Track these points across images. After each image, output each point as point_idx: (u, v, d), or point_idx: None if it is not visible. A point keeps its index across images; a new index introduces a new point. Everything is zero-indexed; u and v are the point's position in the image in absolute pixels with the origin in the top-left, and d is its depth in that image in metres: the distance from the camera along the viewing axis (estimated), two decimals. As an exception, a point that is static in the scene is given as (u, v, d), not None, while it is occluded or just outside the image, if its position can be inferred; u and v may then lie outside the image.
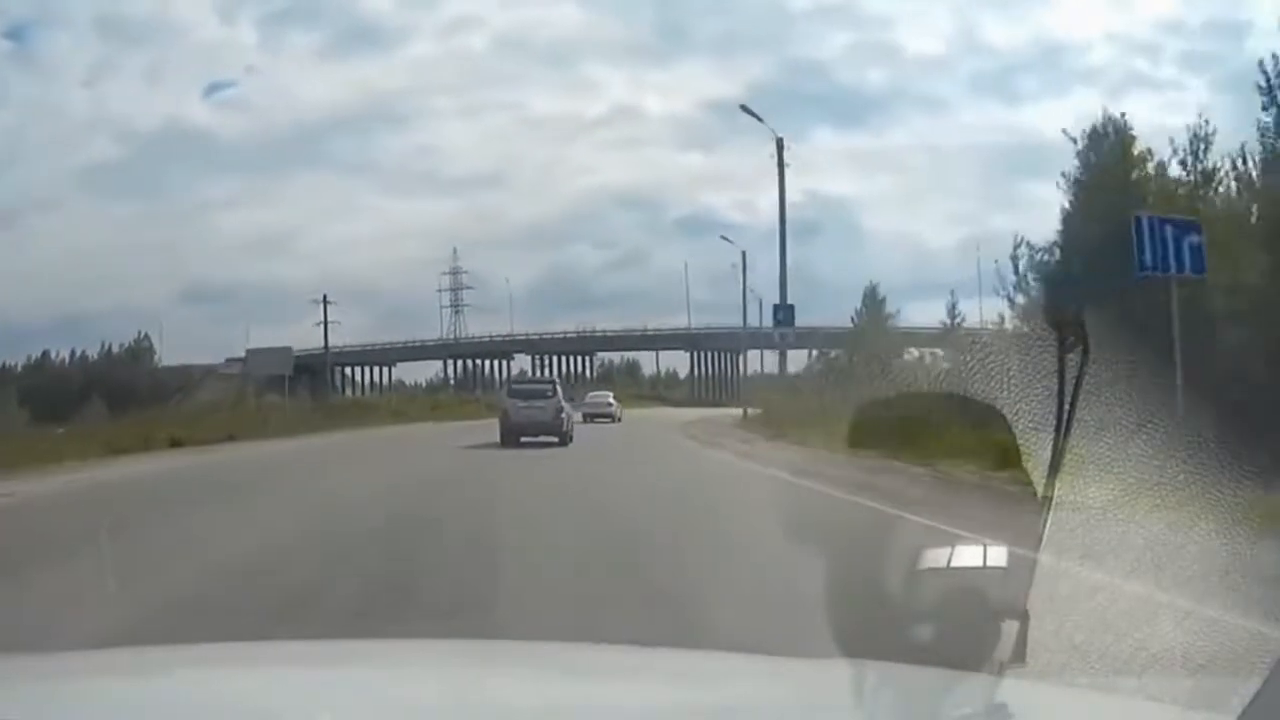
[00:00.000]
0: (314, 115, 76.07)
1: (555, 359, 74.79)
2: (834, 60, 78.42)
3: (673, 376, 80.00)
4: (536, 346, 69.85)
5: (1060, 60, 74.17)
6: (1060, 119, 75.79)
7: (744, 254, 41.64)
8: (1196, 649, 2.91)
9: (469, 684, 1.81)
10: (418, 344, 68.88)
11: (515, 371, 69.43)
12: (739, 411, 35.20)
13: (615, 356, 76.73)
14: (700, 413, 37.12)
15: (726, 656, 2.38)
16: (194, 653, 2.11)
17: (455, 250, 66.46)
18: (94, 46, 71.16)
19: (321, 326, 45.45)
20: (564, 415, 22.17)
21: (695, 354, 73.83)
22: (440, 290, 67.96)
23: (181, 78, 77.82)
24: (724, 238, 37.13)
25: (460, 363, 69.46)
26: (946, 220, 79.29)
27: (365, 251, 77.44)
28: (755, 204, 73.78)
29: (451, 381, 66.99)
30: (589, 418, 31.26)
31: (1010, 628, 1.67)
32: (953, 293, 30.26)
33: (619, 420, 35.06)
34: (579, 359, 74.77)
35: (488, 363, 72.93)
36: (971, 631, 1.61)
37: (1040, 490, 1.82)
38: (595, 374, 77.23)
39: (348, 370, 70.99)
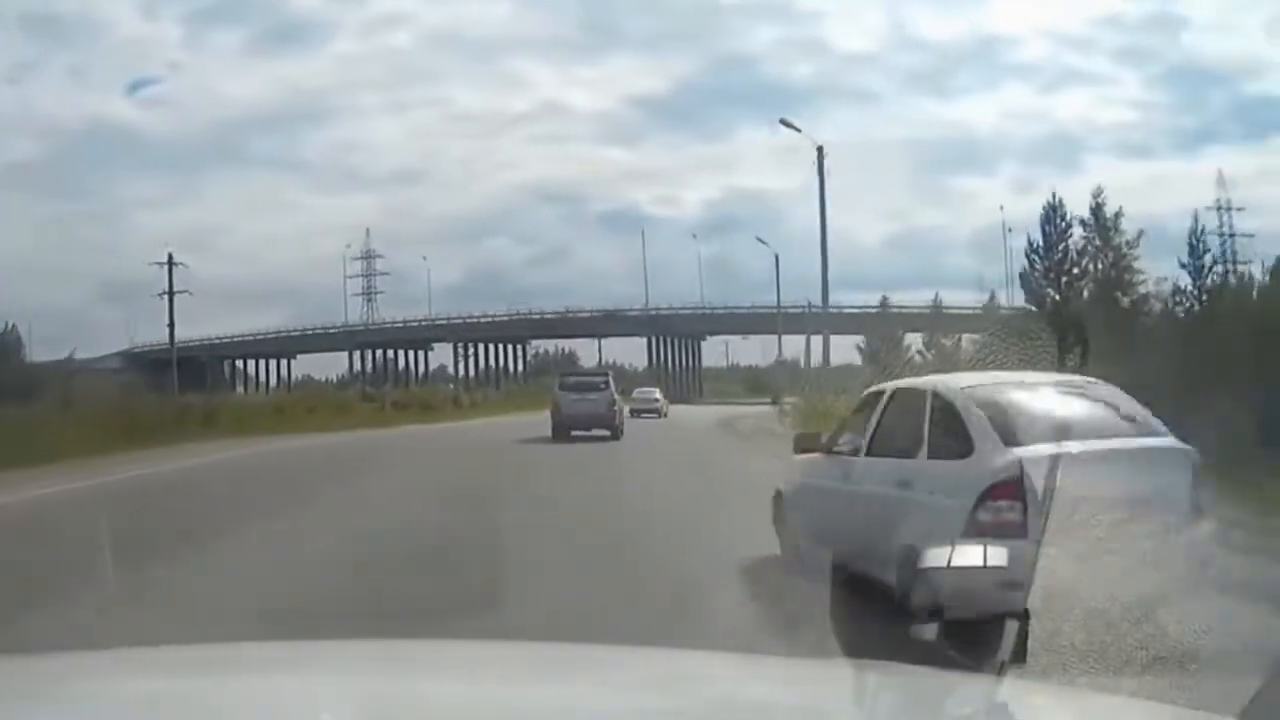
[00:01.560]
0: (239, 112, 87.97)
1: (481, 348, 75.12)
2: (762, 56, 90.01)
3: (618, 368, 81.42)
4: (460, 333, 70.21)
5: (993, 55, 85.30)
6: (992, 113, 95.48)
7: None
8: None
9: (470, 684, 2.10)
10: (318, 331, 69.09)
11: (435, 366, 71.34)
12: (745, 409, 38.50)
13: (550, 346, 78.42)
14: (691, 410, 40.12)
15: (727, 657, 2.71)
16: (194, 653, 2.40)
17: (368, 232, 69.65)
18: (18, 44, 76.88)
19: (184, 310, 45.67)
20: (616, 409, 25.69)
21: (654, 340, 74.59)
22: (351, 277, 69.21)
23: (105, 75, 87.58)
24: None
25: (374, 354, 70.04)
26: (874, 214, 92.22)
27: (288, 248, 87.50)
28: (679, 198, 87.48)
29: (363, 375, 67.12)
30: (635, 413, 35.19)
31: (1010, 627, 2.01)
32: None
33: (665, 415, 39.32)
34: (509, 349, 75.36)
35: (404, 354, 73.52)
36: (972, 631, 1.94)
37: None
38: (527, 366, 78.09)
39: (239, 364, 70.82)
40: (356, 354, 69.54)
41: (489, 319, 69.77)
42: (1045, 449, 4.21)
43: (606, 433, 24.28)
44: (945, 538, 3.41)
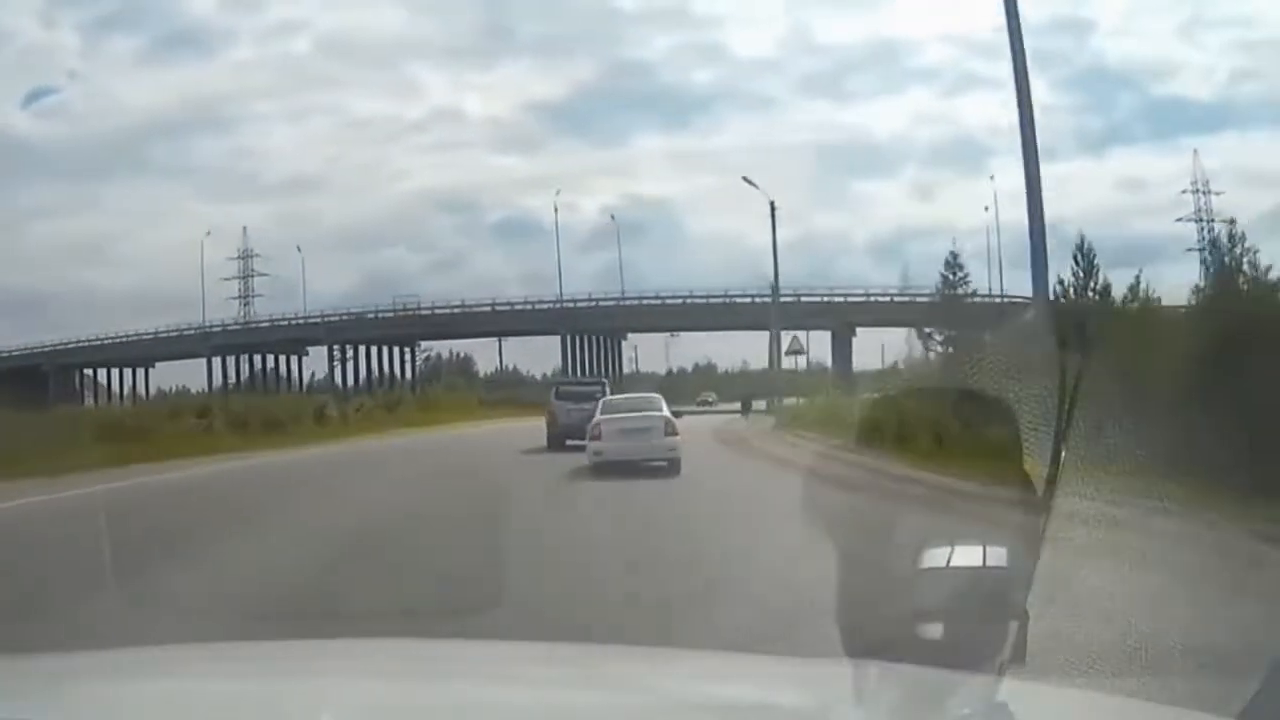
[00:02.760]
0: (136, 120, 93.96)
1: (364, 350, 74.76)
2: (660, 61, 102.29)
3: (522, 376, 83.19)
4: (337, 332, 69.79)
5: (895, 59, 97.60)
6: (894, 117, 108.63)
7: (773, 204, 47.11)
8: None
9: (470, 684, 2.42)
10: (171, 334, 69.24)
11: (323, 374, 71.56)
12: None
13: (446, 350, 79.61)
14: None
15: (729, 657, 2.99)
16: (194, 653, 2.67)
17: (245, 230, 72.22)
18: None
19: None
20: None
21: (570, 339, 74.97)
22: (226, 279, 70.43)
23: (3, 86, 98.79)
24: (746, 179, 42.76)
25: (238, 360, 69.99)
26: (768, 219, 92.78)
27: (182, 257, 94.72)
28: (575, 205, 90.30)
29: (230, 383, 66.67)
30: None
31: (1010, 628, 2.30)
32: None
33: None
34: (397, 351, 75.15)
35: (277, 360, 73.00)
36: (972, 631, 2.23)
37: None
38: (417, 371, 78.16)
39: (91, 374, 70.03)
40: (228, 361, 69.38)
41: (371, 314, 69.66)
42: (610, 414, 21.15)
43: None
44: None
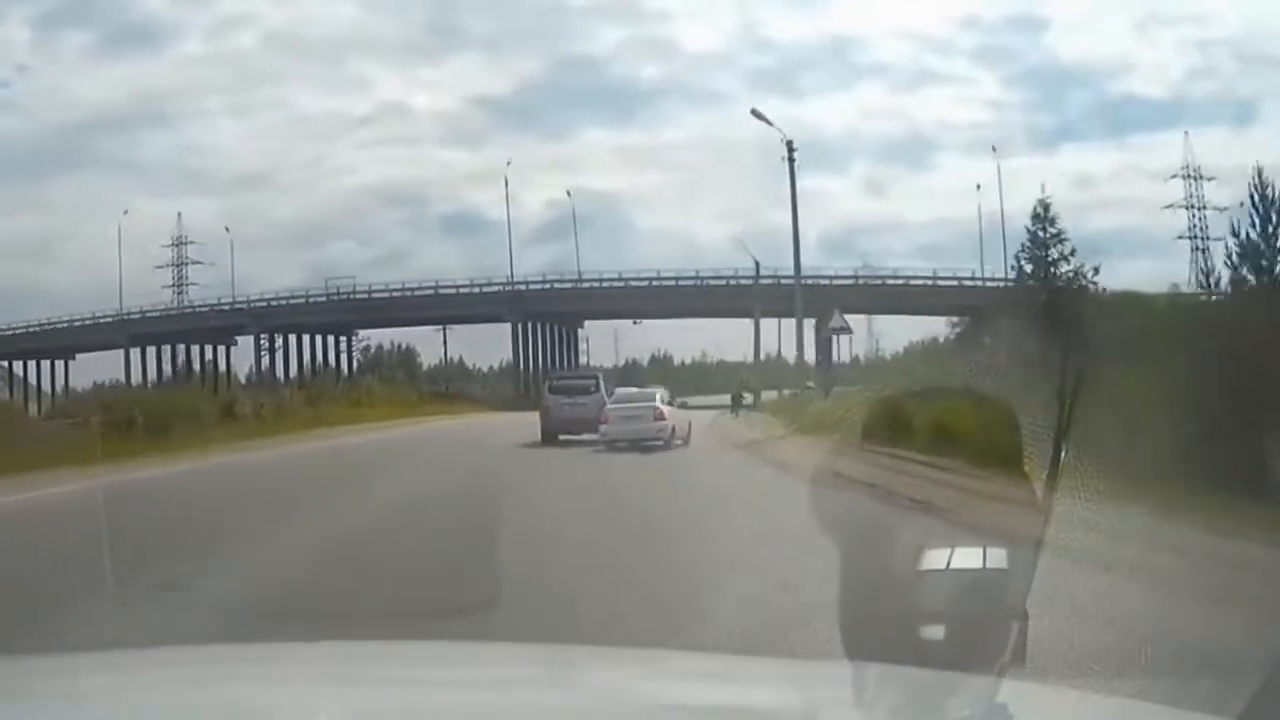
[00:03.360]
0: (86, 115, 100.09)
1: (294, 339, 74.50)
2: (608, 56, 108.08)
3: (460, 367, 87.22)
4: (266, 320, 69.96)
5: (847, 55, 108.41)
6: (844, 113, 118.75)
7: (790, 143, 47.44)
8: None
9: (468, 685, 2.70)
10: (86, 322, 69.11)
11: (249, 365, 71.96)
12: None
13: (387, 340, 79.90)
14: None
15: (728, 658, 3.28)
16: (191, 654, 2.94)
17: (179, 216, 73.20)
18: None
19: None
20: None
21: (521, 327, 74.98)
22: (160, 267, 71.17)
23: None
24: (755, 113, 45.94)
25: (159, 350, 69.73)
26: (719, 215, 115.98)
27: (128, 255, 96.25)
28: (520, 199, 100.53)
29: (165, 376, 66.80)
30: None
31: (1010, 628, 2.58)
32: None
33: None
34: (333, 341, 75.08)
35: (205, 350, 72.57)
36: (972, 632, 2.50)
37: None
38: (354, 361, 78.06)
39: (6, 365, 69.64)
40: (148, 352, 69.18)
41: (301, 299, 69.59)
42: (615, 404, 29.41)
43: (596, 436, 29.85)
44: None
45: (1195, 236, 60.35)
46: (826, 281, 67.23)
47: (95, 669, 2.91)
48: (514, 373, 75.38)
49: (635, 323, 79.86)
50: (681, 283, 69.31)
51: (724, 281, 69.06)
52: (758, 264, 57.76)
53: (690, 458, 26.15)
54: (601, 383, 34.43)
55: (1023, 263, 35.47)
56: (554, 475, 21.96)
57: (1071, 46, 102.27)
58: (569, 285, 71.74)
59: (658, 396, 30.44)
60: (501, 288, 71.08)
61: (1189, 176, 62.40)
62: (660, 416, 28.71)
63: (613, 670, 2.99)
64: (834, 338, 56.40)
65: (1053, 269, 33.26)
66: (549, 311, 72.25)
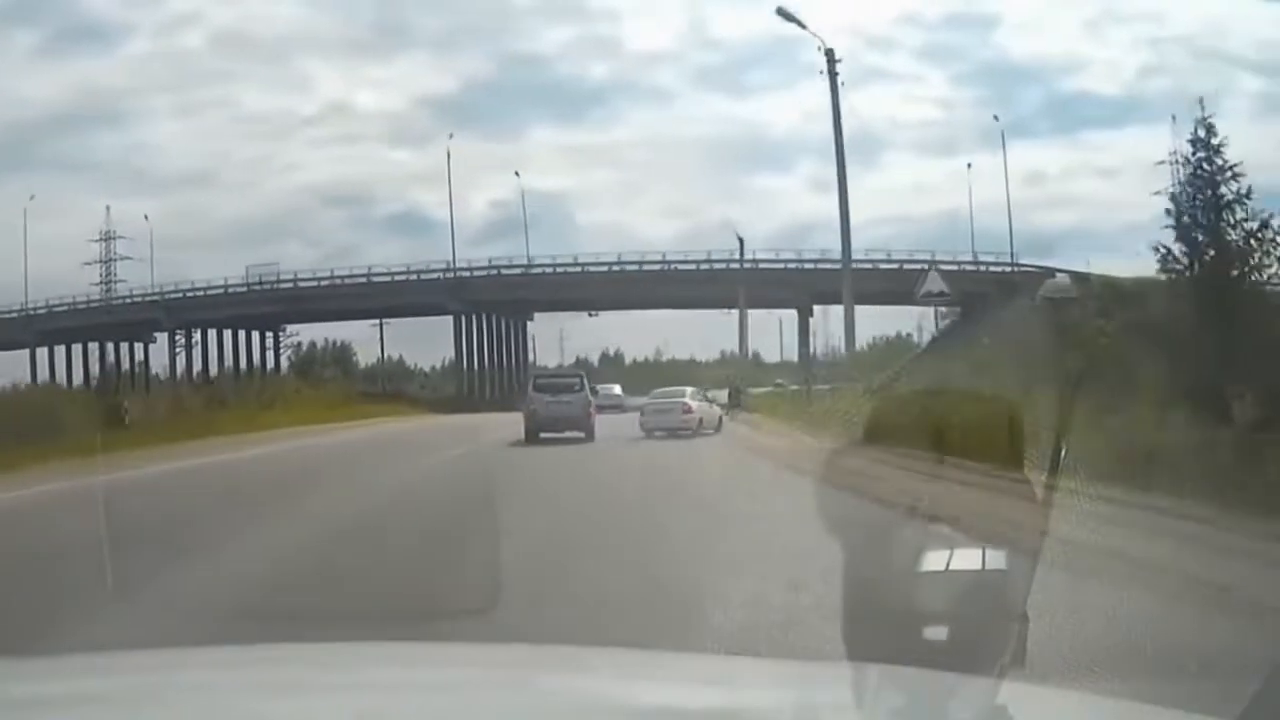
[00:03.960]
0: (31, 114, 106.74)
1: (215, 335, 74.46)
2: (555, 55, 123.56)
3: (400, 366, 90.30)
4: (181, 314, 70.00)
5: (793, 54, 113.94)
6: (790, 111, 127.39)
7: (830, 51, 48.25)
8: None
9: (467, 686, 3.02)
10: None
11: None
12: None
13: (319, 337, 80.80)
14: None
15: (727, 659, 3.62)
16: (191, 656, 3.26)
17: (108, 210, 74.12)
18: None
19: None
20: (591, 410, 37.26)
21: (464, 320, 74.78)
22: (88, 264, 71.31)
23: None
24: (782, 11, 48.27)
25: (86, 349, 70.54)
26: (664, 212, 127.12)
27: (73, 256, 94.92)
28: (466, 199, 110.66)
29: (73, 377, 67.02)
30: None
31: (1010, 630, 2.90)
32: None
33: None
34: (257, 337, 74.83)
35: (120, 348, 72.42)
36: (972, 634, 2.83)
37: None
38: (279, 359, 77.82)
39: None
40: (56, 350, 69.71)
41: (219, 289, 69.54)
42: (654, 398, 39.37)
43: (581, 434, 35.22)
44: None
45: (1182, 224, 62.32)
46: (812, 265, 68.00)
47: (95, 670, 3.26)
48: (457, 371, 74.97)
49: (591, 314, 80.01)
50: (646, 267, 69.13)
51: (694, 266, 69.54)
52: (742, 242, 58.14)
53: (727, 477, 23.30)
54: (585, 381, 39.33)
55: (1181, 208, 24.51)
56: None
57: (1022, 44, 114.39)
58: (518, 271, 71.29)
59: (687, 394, 40.68)
60: (442, 275, 70.77)
61: (1176, 163, 64.50)
62: (688, 410, 38.05)
63: (613, 671, 3.32)
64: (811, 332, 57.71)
65: (1226, 219, 23.49)
66: (496, 301, 71.89)
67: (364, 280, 70.76)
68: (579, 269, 70.31)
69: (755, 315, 68.15)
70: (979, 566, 3.10)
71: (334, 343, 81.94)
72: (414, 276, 70.94)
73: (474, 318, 72.70)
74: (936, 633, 3.02)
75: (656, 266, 68.74)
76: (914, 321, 66.97)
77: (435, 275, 70.77)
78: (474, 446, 31.30)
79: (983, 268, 63.54)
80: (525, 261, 71.13)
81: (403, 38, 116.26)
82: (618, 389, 57.97)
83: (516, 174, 78.90)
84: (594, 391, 40.44)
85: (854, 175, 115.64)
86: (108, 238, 73.25)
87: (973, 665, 2.93)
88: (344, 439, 38.71)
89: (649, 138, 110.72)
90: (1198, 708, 3.32)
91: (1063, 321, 34.21)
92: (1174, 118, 64.53)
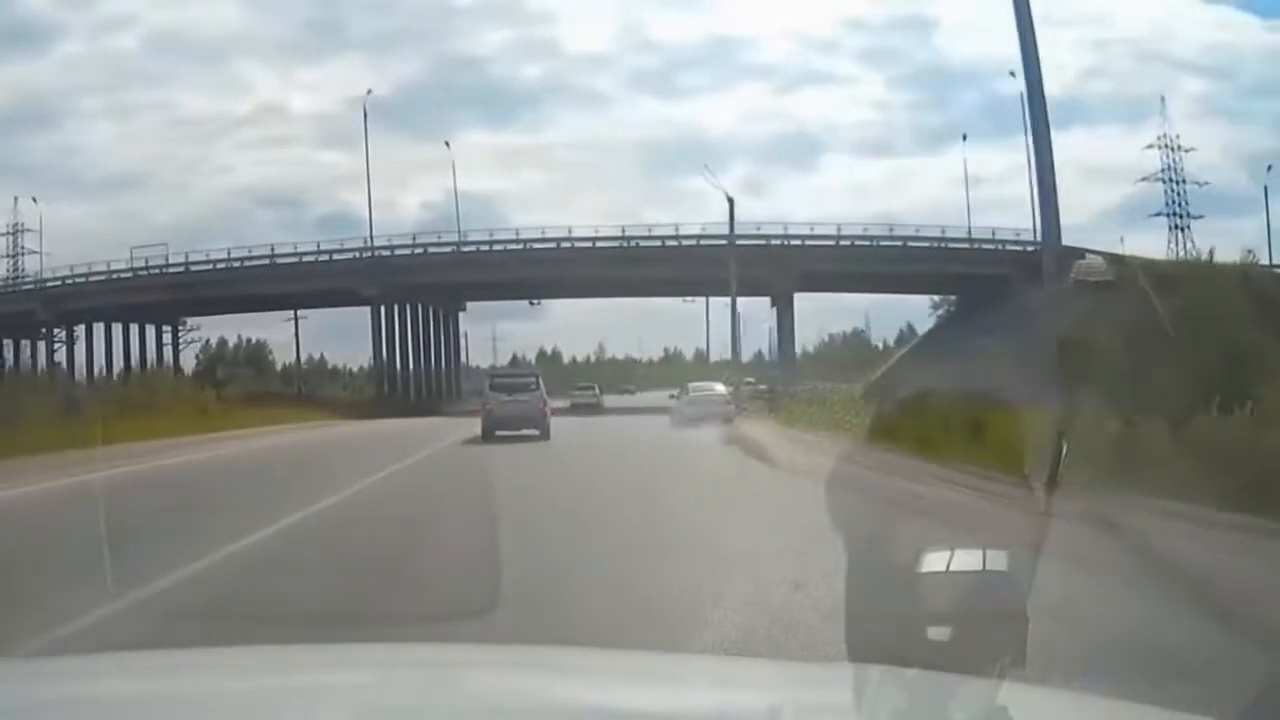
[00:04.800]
0: None
1: (100, 330, 74.25)
2: (490, 57, 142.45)
3: (321, 366, 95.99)
4: (58, 304, 70.24)
5: (731, 56, 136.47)
6: (726, 114, 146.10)
7: (731, 200, 58.76)
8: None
9: (466, 687, 3.52)
10: None
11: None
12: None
13: (234, 334, 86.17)
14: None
15: (727, 660, 4.16)
16: (190, 657, 3.86)
17: (15, 201, 79.72)
18: None
19: None
20: (546, 409, 42.85)
21: (385, 309, 72.37)
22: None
23: None
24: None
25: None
26: (599, 214, 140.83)
27: None
28: (396, 202, 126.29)
29: None
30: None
31: (1010, 630, 3.42)
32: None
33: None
34: (153, 332, 74.76)
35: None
36: (970, 634, 3.35)
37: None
38: (194, 358, 77.91)
39: None
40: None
41: (101, 275, 69.87)
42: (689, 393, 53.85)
43: (536, 432, 40.44)
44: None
45: (1174, 213, 66.21)
46: (799, 241, 68.34)
47: (95, 671, 3.78)
48: (377, 370, 75.05)
49: (533, 303, 79.96)
50: (601, 244, 69.49)
51: (658, 242, 69.45)
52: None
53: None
54: (541, 381, 44.91)
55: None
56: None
57: (961, 47, 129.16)
58: (448, 249, 71.19)
59: (719, 388, 53.11)
60: (358, 254, 70.87)
61: (1165, 147, 68.81)
62: (728, 402, 51.17)
63: (613, 672, 3.87)
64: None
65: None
66: (422, 285, 71.37)
67: (266, 262, 70.70)
68: (520, 245, 70.28)
69: (690, 309, 70.82)
70: (979, 567, 3.67)
71: (248, 340, 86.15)
72: (325, 257, 70.69)
73: (394, 307, 72.44)
74: (939, 633, 3.59)
75: (614, 244, 69.11)
76: (862, 315, 70.55)
77: (350, 255, 70.78)
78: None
79: (1001, 246, 64.43)
80: (456, 238, 71.59)
81: (337, 39, 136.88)
82: (596, 389, 68.91)
83: (446, 144, 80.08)
84: (548, 392, 45.98)
85: (791, 177, 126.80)
86: (15, 230, 78.21)
87: (972, 666, 3.47)
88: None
89: (584, 140, 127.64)
90: (1197, 708, 3.92)
91: (1100, 306, 34.66)
92: (1164, 98, 68.61)
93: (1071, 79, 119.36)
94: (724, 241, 58.26)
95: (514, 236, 71.53)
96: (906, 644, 3.57)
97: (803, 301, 71.33)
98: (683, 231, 68.71)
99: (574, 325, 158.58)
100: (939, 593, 3.64)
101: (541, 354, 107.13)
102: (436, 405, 66.60)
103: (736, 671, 4.10)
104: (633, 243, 68.93)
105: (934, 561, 3.65)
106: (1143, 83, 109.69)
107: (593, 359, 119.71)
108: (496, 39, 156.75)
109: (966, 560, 3.67)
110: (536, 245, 69.82)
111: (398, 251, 71.29)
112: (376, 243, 71.48)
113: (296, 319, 76.87)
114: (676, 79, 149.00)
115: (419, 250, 71.53)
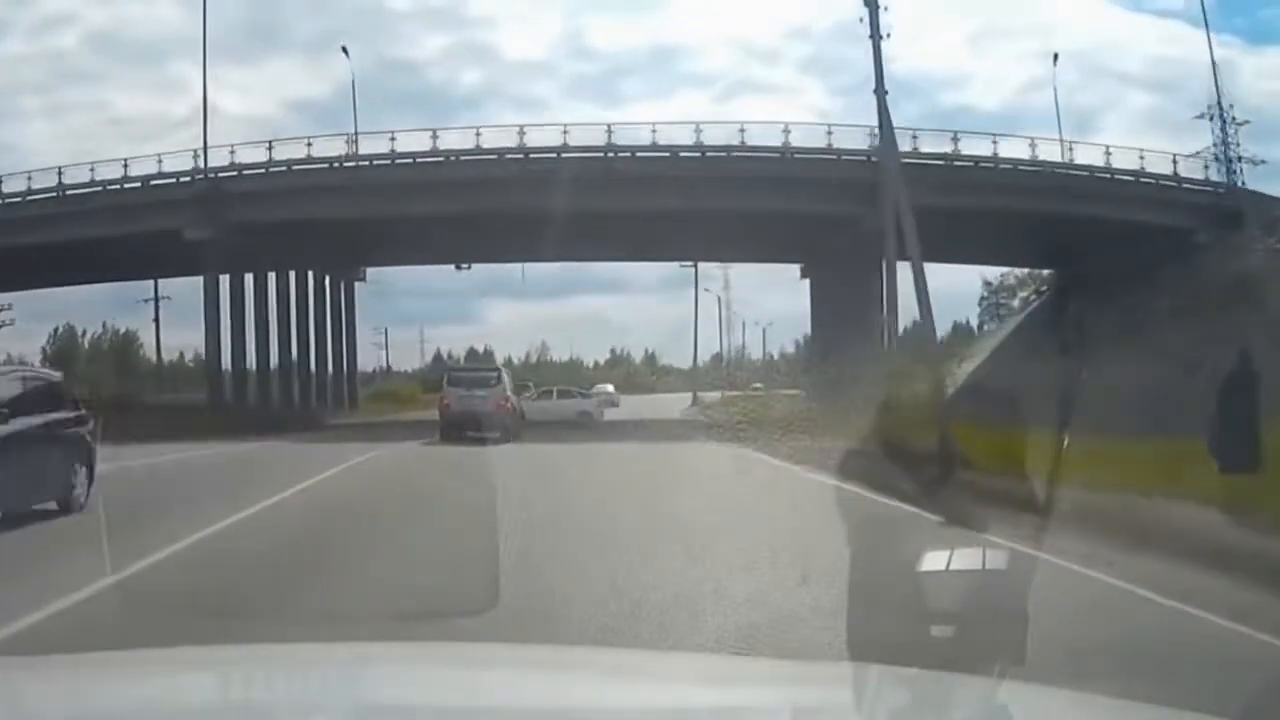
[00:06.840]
0: None
1: None
2: (429, 61, 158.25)
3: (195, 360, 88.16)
4: None
5: (671, 64, 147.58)
6: (663, 120, 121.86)
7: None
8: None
9: (464, 686, 4.46)
10: None
11: None
12: None
13: (96, 324, 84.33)
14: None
15: (728, 659, 5.35)
16: (189, 655, 4.78)
17: None
18: None
19: None
20: (510, 406, 49.96)
21: (217, 284, 60.39)
22: None
23: None
24: None
25: None
26: None
27: None
28: None
29: None
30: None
31: (1009, 630, 4.81)
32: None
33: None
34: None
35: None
36: (970, 634, 4.75)
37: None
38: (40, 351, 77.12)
39: None
40: None
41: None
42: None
43: (497, 434, 43.25)
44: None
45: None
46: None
47: (96, 669, 4.57)
48: (210, 366, 71.11)
49: (461, 267, 75.35)
50: (569, 155, 63.26)
51: (665, 154, 59.75)
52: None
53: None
54: (504, 376, 53.97)
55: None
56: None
57: (907, 58, 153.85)
58: (325, 166, 64.49)
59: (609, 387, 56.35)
60: (187, 179, 64.89)
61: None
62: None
63: (614, 672, 4.78)
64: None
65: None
66: (283, 223, 64.04)
67: (54, 195, 64.97)
68: (442, 159, 64.16)
69: (636, 313, 72.54)
70: (979, 566, 5.11)
71: (116, 330, 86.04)
72: (137, 185, 65.11)
73: (251, 280, 67.38)
74: (940, 631, 4.48)
75: (598, 154, 63.63)
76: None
77: (171, 180, 64.16)
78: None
79: (1159, 181, 63.87)
80: (346, 152, 62.93)
81: (276, 41, 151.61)
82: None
83: (344, 50, 73.49)
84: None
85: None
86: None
87: (972, 665, 4.37)
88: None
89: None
90: (1196, 707, 4.69)
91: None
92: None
93: (1012, 90, 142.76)
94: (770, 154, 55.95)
95: (432, 149, 63.59)
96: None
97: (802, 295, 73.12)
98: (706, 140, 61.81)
99: (512, 328, 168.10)
100: (939, 592, 4.71)
101: (473, 352, 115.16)
102: (316, 419, 65.02)
103: (737, 670, 5.07)
104: (615, 153, 63.40)
105: (933, 561, 5.03)
106: (1088, 95, 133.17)
107: (534, 359, 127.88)
108: (436, 43, 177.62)
109: (966, 560, 4.66)
110: (470, 158, 62.70)
111: (246, 171, 63.86)
112: (214, 163, 62.03)
113: (157, 295, 73.47)
114: (612, 85, 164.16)
115: (282, 169, 64.31)
